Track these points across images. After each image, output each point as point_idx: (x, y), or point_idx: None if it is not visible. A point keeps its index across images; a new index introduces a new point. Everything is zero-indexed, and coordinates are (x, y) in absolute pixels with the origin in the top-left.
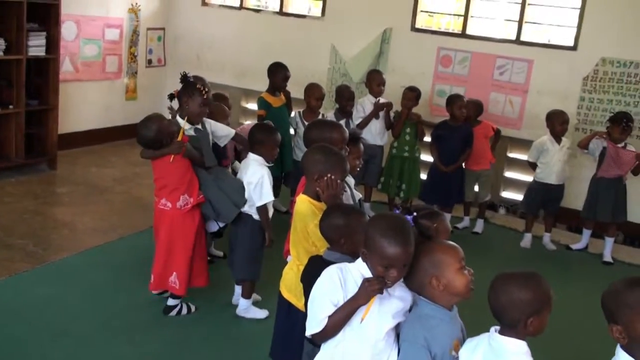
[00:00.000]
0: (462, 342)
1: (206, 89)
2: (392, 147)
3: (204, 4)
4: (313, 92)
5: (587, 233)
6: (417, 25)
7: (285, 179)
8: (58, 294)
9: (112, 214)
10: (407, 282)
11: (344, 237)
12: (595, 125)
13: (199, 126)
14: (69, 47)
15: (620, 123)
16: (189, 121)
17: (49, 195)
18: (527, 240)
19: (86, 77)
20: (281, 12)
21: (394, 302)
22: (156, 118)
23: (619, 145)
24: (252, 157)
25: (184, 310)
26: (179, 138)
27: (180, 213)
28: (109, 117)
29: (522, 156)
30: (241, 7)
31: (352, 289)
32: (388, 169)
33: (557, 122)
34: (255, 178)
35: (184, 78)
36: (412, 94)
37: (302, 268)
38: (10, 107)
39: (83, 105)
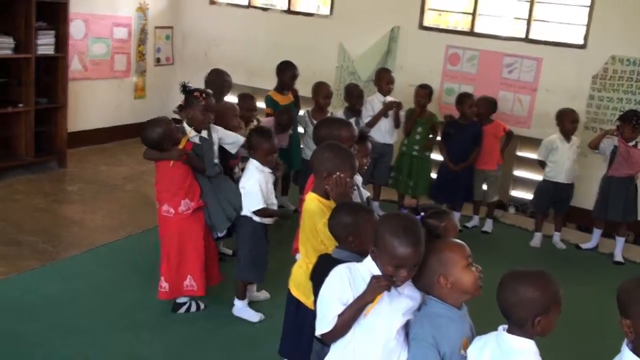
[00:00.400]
0: (471, 340)
1: (204, 95)
2: (402, 145)
3: (212, 2)
4: (321, 90)
5: (597, 232)
6: (425, 24)
7: (294, 177)
8: (68, 291)
9: (121, 212)
10: (415, 281)
11: (352, 235)
12: (604, 124)
13: (205, 134)
14: (77, 45)
15: (630, 122)
16: (194, 129)
17: (58, 193)
18: (537, 240)
19: (95, 76)
20: (289, 11)
21: (404, 301)
22: (163, 122)
23: (630, 144)
24: (251, 161)
25: (193, 308)
26: (181, 145)
27: (185, 217)
28: (118, 115)
29: (532, 155)
30: (249, 6)
31: (361, 288)
32: (397, 167)
33: (567, 121)
34: (249, 184)
35: (184, 88)
36: (424, 92)
37: (311, 266)
38: (20, 105)
39: (92, 104)
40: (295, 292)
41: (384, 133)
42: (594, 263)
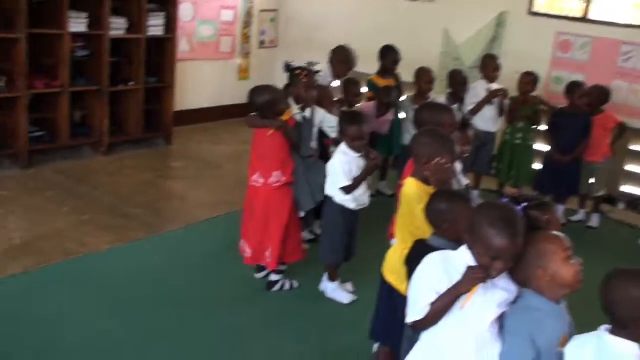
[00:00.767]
0: (569, 338)
1: (305, 73)
2: (505, 133)
3: None
4: (423, 75)
5: None
6: (535, 9)
7: (393, 162)
8: (170, 262)
9: (221, 190)
10: (512, 274)
11: (447, 222)
12: None
13: (307, 114)
14: (186, 27)
15: None
16: (299, 108)
17: (164, 169)
18: None
19: (201, 57)
20: None
21: (499, 292)
22: (272, 89)
23: None
24: (341, 145)
25: (287, 286)
26: (284, 117)
27: (273, 189)
28: (222, 95)
29: None
30: None
31: (455, 278)
32: (499, 155)
33: None
34: (332, 164)
35: (287, 67)
36: (529, 78)
37: (406, 252)
38: (131, 83)
39: (198, 84)
40: (389, 277)
41: (487, 121)
42: None
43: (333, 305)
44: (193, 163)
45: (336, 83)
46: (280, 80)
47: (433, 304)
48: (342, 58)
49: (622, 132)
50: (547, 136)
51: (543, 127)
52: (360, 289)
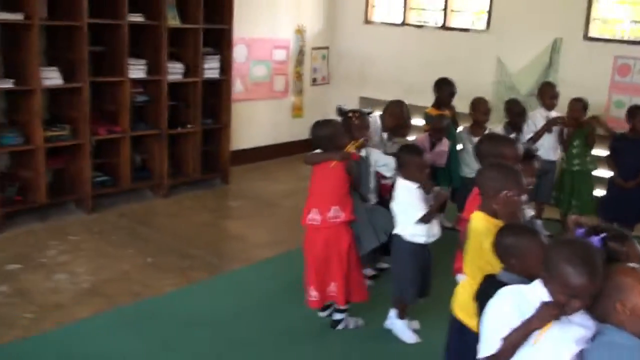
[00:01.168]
0: None
1: (358, 115)
2: (562, 161)
3: (367, 22)
4: (479, 106)
5: None
6: (591, 34)
7: (452, 195)
8: (233, 303)
9: (280, 228)
10: (589, 308)
11: (515, 257)
12: None
13: (363, 153)
14: (240, 68)
15: None
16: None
17: (222, 209)
18: None
19: (255, 97)
20: (444, 27)
21: (576, 329)
22: (333, 123)
23: None
24: (399, 180)
25: (351, 325)
26: (348, 149)
27: (331, 226)
28: (276, 134)
29: None
30: (403, 24)
31: (528, 313)
32: (559, 184)
33: None
34: (399, 200)
35: (339, 111)
36: (578, 105)
37: (475, 287)
38: (189, 126)
39: (253, 123)
40: (459, 314)
41: (547, 149)
42: None
43: (399, 344)
44: (250, 202)
45: (384, 135)
46: (334, 116)
47: (505, 339)
48: (392, 111)
49: None
50: (608, 162)
51: (604, 152)
52: (427, 326)
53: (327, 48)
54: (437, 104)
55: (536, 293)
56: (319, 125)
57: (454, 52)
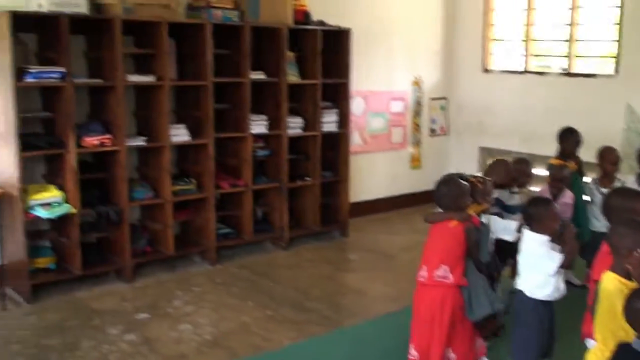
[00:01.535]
0: None
1: (481, 180)
2: None
3: (486, 70)
4: (607, 156)
5: None
6: None
7: (580, 250)
8: (348, 358)
9: (399, 281)
10: None
11: None
12: None
13: (485, 220)
14: (357, 121)
15: None
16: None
17: (341, 262)
18: None
19: (373, 149)
20: (568, 73)
21: None
22: (461, 183)
23: None
24: (528, 235)
25: None
26: (471, 211)
27: (438, 284)
28: (395, 185)
29: None
30: (525, 71)
31: None
32: None
33: None
34: (529, 253)
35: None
36: None
37: (607, 354)
38: (308, 179)
39: (371, 175)
40: None
41: None
42: None
43: None
44: (369, 254)
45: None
46: (452, 168)
47: None
48: (497, 172)
49: None
50: None
51: None
52: None
53: (445, 98)
54: (562, 154)
55: None
56: (445, 183)
57: (579, 99)
